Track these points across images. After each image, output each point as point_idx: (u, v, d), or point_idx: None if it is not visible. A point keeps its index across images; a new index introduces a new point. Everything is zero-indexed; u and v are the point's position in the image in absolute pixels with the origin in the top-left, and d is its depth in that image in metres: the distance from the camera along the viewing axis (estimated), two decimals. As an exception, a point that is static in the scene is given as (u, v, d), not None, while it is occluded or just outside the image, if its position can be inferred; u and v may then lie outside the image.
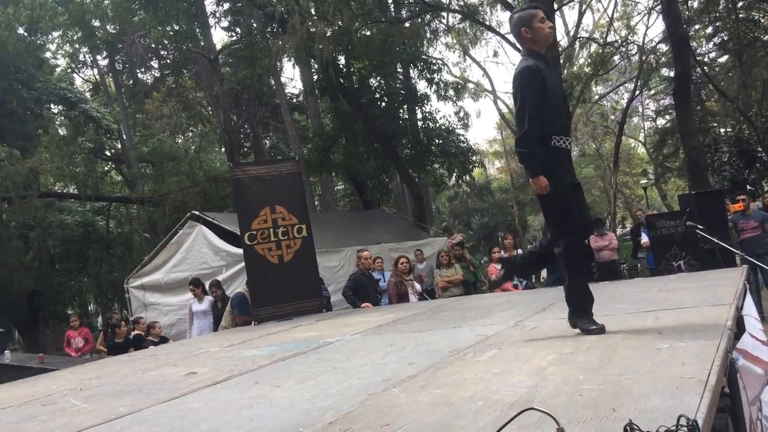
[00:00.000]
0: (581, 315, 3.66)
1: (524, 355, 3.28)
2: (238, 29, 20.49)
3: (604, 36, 22.55)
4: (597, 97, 27.08)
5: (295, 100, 27.43)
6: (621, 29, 23.99)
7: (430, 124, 18.10)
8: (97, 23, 19.25)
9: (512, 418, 1.62)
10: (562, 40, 21.85)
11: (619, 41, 21.31)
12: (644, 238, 10.59)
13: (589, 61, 21.69)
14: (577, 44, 22.34)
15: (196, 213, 11.85)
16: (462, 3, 16.68)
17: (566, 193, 3.65)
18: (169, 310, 11.10)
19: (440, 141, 17.44)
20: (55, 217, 19.03)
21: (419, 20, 17.25)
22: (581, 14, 24.31)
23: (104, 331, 12.06)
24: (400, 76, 19.39)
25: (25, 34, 20.55)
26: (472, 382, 2.82)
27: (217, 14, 20.27)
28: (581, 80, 20.26)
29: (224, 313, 8.44)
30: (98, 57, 26.56)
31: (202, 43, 20.69)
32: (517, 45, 19.17)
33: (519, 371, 2.90)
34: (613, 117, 29.76)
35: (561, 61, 15.60)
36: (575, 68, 22.38)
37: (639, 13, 23.98)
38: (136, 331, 9.91)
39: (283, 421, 2.66)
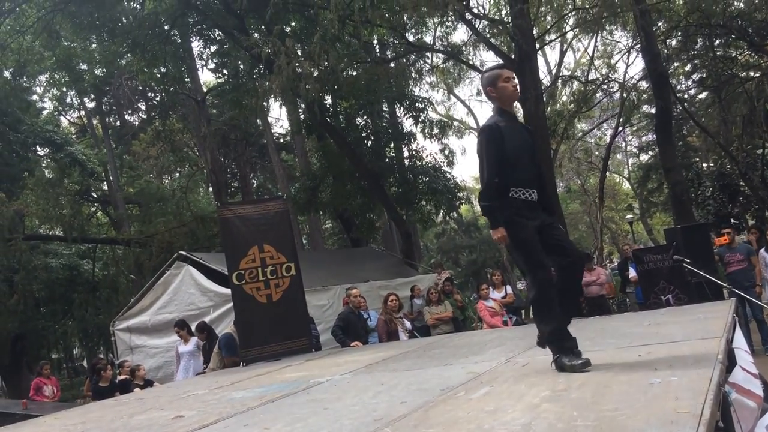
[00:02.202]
0: (565, 353, 3.66)
1: (517, 392, 3.25)
2: (225, 71, 20.70)
3: (585, 74, 23.01)
4: (581, 133, 27.47)
5: (281, 140, 27.63)
6: (602, 67, 24.53)
7: (417, 161, 18.25)
8: (84, 66, 19.35)
9: (508, 456, 1.60)
10: (545, 79, 22.25)
11: (601, 79, 21.75)
12: (632, 273, 10.63)
13: (572, 98, 22.06)
14: (560, 82, 22.74)
15: (184, 253, 11.76)
16: (446, 43, 16.99)
17: (528, 237, 3.72)
18: (155, 352, 10.93)
19: (427, 178, 17.56)
20: (40, 260, 18.80)
21: (404, 60, 17.52)
22: (563, 53, 24.85)
23: (89, 376, 11.82)
24: (387, 115, 19.60)
25: (11, 77, 20.63)
26: (465, 421, 2.78)
27: (204, 56, 20.49)
28: (564, 117, 20.57)
29: (212, 354, 8.32)
30: (85, 99, 26.69)
31: (189, 85, 20.86)
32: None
33: (512, 409, 2.87)
34: (597, 153, 30.17)
35: (544, 98, 15.84)
36: (558, 105, 22.75)
37: (619, 52, 24.54)
38: (121, 375, 9.73)
39: (274, 464, 2.61)
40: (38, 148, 25.53)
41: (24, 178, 22.17)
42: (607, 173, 27.37)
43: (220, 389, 5.57)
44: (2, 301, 16.79)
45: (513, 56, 15.20)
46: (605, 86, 21.06)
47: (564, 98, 23.96)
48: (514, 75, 3.97)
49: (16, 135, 22.71)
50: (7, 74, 19.91)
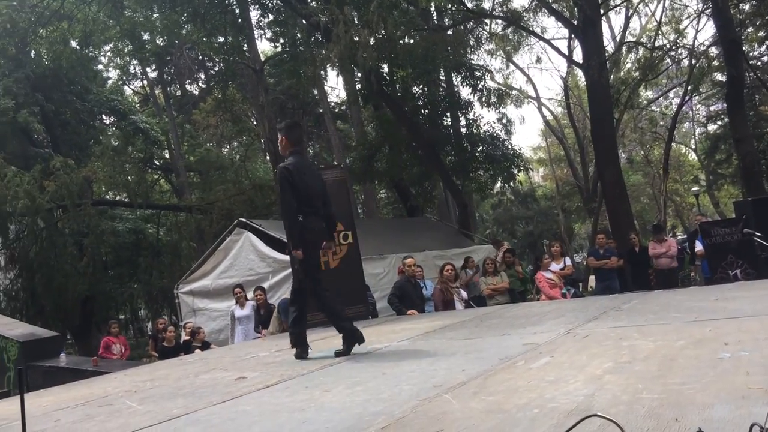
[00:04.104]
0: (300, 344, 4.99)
1: (578, 363, 3.22)
2: (282, 39, 20.79)
3: (652, 40, 22.07)
4: (645, 102, 26.51)
5: (337, 110, 27.69)
6: (669, 33, 23.46)
7: (474, 130, 18.00)
8: (146, 36, 19.74)
9: (575, 424, 1.58)
10: (609, 46, 21.50)
11: (668, 45, 20.84)
12: (698, 246, 10.26)
13: (637, 65, 21.24)
14: (624, 49, 21.91)
15: (243, 220, 11.99)
16: (505, 9, 16.54)
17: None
18: (217, 315, 11.26)
19: (484, 147, 17.32)
20: (107, 224, 19.51)
21: (462, 27, 17.19)
22: (628, 18, 23.91)
23: (152, 336, 12.30)
24: (443, 84, 19.35)
25: (78, 47, 21.23)
26: (525, 390, 2.77)
27: (262, 25, 20.58)
28: (629, 85, 19.87)
29: (271, 318, 8.51)
30: (147, 69, 27.32)
31: (248, 54, 21.05)
32: (562, 51, 18.77)
33: (574, 379, 2.84)
34: (662, 123, 29.10)
35: (608, 66, 15.29)
36: (622, 73, 21.96)
37: (688, 17, 23.41)
38: (185, 337, 10.10)
39: (336, 424, 2.66)
40: (104, 116, 26.38)
41: (91, 146, 22.94)
42: (673, 144, 26.40)
43: (280, 352, 5.71)
44: (73, 263, 17.54)
45: (576, 22, 14.73)
46: (673, 53, 20.16)
47: (628, 65, 23.09)
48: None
49: (84, 104, 23.50)
50: (74, 44, 20.48)
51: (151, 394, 4.34)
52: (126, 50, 21.41)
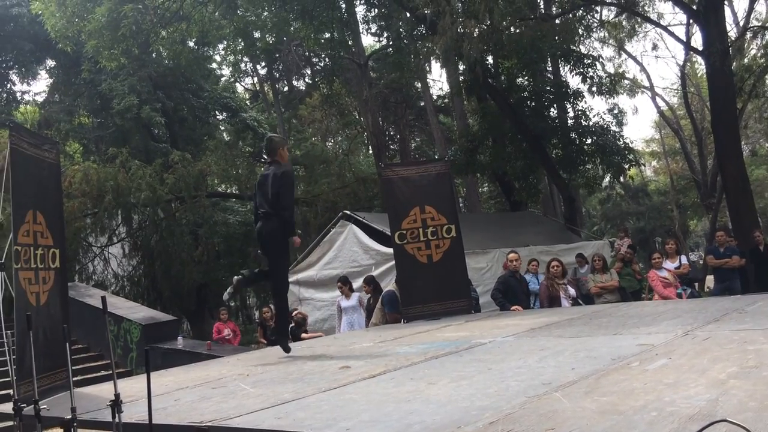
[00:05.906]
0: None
1: (699, 366, 3.04)
2: (386, 33, 20.96)
3: (780, 24, 20.43)
4: (772, 90, 24.59)
5: (440, 102, 27.60)
6: (801, 15, 21.62)
7: (583, 122, 17.37)
8: (257, 34, 20.49)
9: (703, 428, 1.49)
10: (731, 31, 20.09)
11: (799, 28, 19.20)
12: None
13: (763, 51, 19.74)
14: (749, 34, 20.40)
15: (348, 212, 12.23)
16: (618, -6, 15.81)
17: None
18: (322, 305, 11.56)
19: (593, 139, 16.67)
20: (219, 215, 20.48)
21: (571, 16, 16.62)
22: (753, 1, 22.23)
23: (261, 324, 12.80)
24: (550, 75, 18.81)
25: (195, 46, 22.34)
26: (641, 392, 2.66)
27: (367, 19, 20.85)
28: (754, 73, 18.51)
29: (375, 309, 8.63)
30: (257, 66, 28.39)
31: (353, 49, 21.40)
32: (680, 37, 17.72)
33: (695, 383, 2.69)
34: (791, 112, 26.89)
35: (730, 52, 14.29)
36: (746, 60, 20.47)
37: (823, -3, 21.47)
38: (291, 324, 10.43)
39: (442, 417, 2.66)
40: (217, 113, 27.68)
41: (204, 141, 24.15)
42: (802, 135, 24.37)
43: (383, 343, 5.78)
44: (189, 252, 18.55)
45: (695, 7, 13.89)
46: (805, 36, 18.59)
47: (753, 51, 21.49)
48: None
49: (199, 101, 24.76)
50: (191, 44, 21.58)
51: (262, 378, 4.52)
52: (238, 48, 22.34)
